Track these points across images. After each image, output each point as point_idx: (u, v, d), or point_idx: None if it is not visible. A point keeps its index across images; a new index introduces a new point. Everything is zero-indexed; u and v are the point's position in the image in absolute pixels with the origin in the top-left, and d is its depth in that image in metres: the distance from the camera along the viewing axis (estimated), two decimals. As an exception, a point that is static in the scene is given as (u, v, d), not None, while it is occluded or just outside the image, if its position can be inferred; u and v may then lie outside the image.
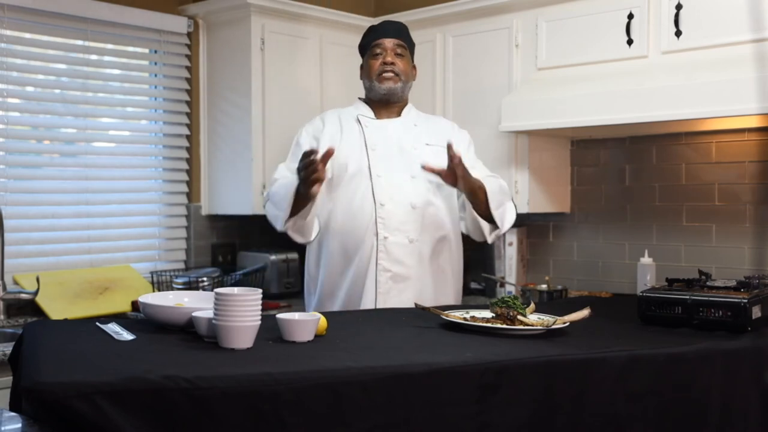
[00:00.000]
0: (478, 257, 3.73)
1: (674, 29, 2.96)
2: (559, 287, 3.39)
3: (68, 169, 3.40)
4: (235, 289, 1.80)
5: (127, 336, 1.88)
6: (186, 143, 3.75)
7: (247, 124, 3.56)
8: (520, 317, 2.09)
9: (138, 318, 2.57)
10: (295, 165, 2.66)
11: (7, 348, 2.36)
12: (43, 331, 1.97)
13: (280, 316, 1.89)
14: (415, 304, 2.35)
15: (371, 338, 2.00)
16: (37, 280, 2.97)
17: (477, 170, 2.73)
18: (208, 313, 1.82)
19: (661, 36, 3.01)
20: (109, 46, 3.49)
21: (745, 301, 2.12)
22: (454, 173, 2.57)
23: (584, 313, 2.14)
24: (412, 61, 2.93)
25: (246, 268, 3.63)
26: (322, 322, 1.95)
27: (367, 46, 2.87)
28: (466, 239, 2.90)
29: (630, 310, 2.38)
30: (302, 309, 2.96)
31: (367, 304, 2.69)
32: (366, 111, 2.88)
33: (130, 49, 3.56)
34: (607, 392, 1.82)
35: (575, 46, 3.23)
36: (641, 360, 1.89)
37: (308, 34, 3.72)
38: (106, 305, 3.20)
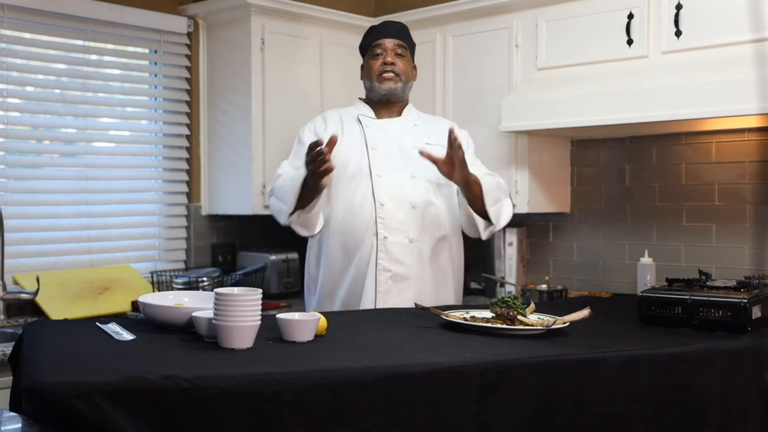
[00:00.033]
0: (478, 257, 3.73)
1: (674, 29, 2.96)
2: (559, 287, 3.39)
3: (68, 169, 3.40)
4: (235, 289, 1.80)
5: (127, 336, 1.88)
6: (186, 143, 3.75)
7: (247, 124, 3.56)
8: (520, 317, 2.09)
9: (138, 318, 2.57)
10: (299, 162, 2.68)
11: (7, 348, 2.36)
12: (43, 331, 1.97)
13: (280, 316, 1.89)
14: (415, 304, 2.35)
15: (371, 338, 2.00)
16: (37, 280, 2.97)
17: (475, 168, 2.73)
18: (208, 313, 1.82)
19: (661, 36, 3.01)
20: (109, 46, 3.49)
21: (745, 301, 2.12)
22: (452, 162, 2.56)
23: (584, 313, 2.14)
24: (413, 62, 2.93)
25: (246, 268, 3.63)
26: (322, 322, 1.95)
27: (368, 46, 2.88)
28: (466, 239, 2.90)
29: (630, 310, 2.38)
30: (302, 309, 2.96)
31: (367, 303, 2.69)
32: (366, 111, 2.89)
33: (130, 49, 3.56)
34: (607, 392, 1.82)
35: (575, 46, 3.23)
36: (641, 360, 1.89)
37: (308, 34, 3.72)
38: (106, 305, 3.20)
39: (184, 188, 3.76)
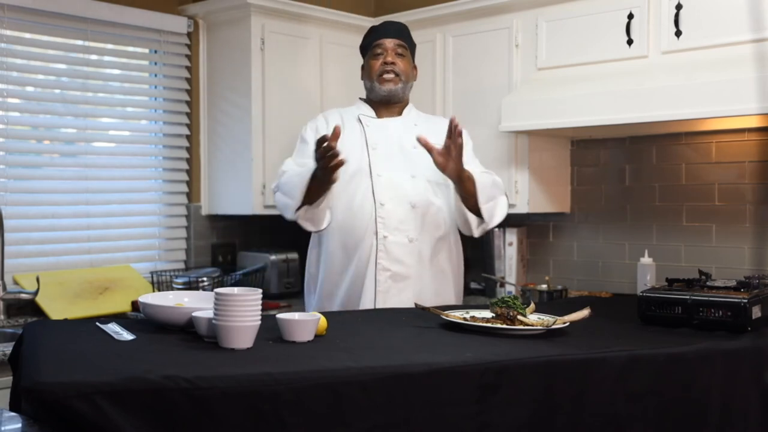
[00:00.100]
0: (478, 257, 3.74)
1: (674, 29, 2.96)
2: (559, 287, 3.39)
3: (68, 169, 3.40)
4: (235, 289, 1.80)
5: (127, 336, 1.88)
6: (186, 143, 3.75)
7: (247, 124, 3.56)
8: (520, 317, 2.09)
9: (138, 318, 2.57)
10: (303, 160, 2.70)
11: (7, 348, 2.36)
12: (43, 331, 1.97)
13: (280, 316, 1.89)
14: (415, 304, 2.35)
15: (371, 338, 2.00)
16: (37, 280, 2.97)
17: (472, 166, 2.73)
18: (208, 313, 1.82)
19: (661, 36, 3.01)
20: (109, 46, 3.49)
21: (745, 301, 2.12)
22: (447, 153, 2.54)
23: (584, 313, 2.14)
24: (413, 62, 2.93)
25: (246, 268, 3.63)
26: (322, 322, 1.95)
27: (368, 46, 2.88)
28: (465, 239, 2.90)
29: (630, 310, 2.38)
30: (302, 309, 2.97)
31: (367, 303, 2.69)
32: (367, 111, 2.89)
33: (130, 49, 3.56)
34: (607, 392, 1.82)
35: (575, 46, 3.23)
36: (641, 360, 1.89)
37: (308, 34, 3.71)
38: (106, 305, 3.20)
39: (184, 188, 3.76)
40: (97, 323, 2.04)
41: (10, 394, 1.90)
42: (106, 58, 3.49)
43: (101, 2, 3.39)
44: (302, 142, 2.86)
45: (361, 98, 2.95)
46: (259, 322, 1.78)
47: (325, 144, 2.43)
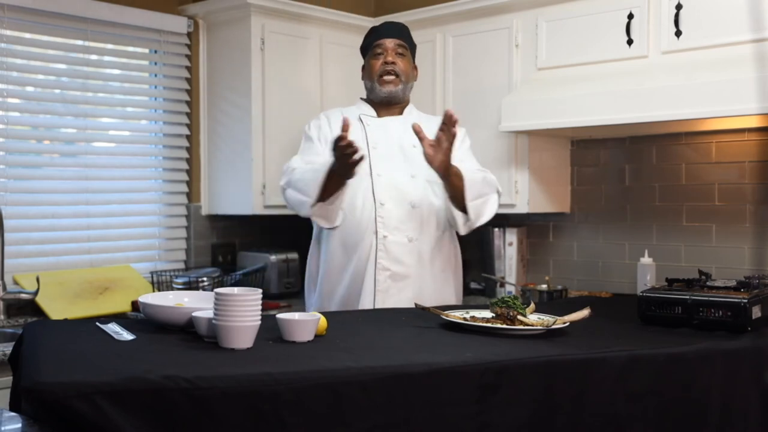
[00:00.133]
0: (478, 257, 3.74)
1: (674, 29, 2.96)
2: (559, 287, 3.39)
3: (68, 169, 3.40)
4: (235, 289, 1.80)
5: (127, 336, 1.88)
6: (186, 143, 3.75)
7: (247, 124, 3.56)
8: (520, 317, 2.09)
9: (138, 318, 2.57)
10: (310, 158, 2.70)
11: (7, 348, 2.36)
12: (43, 331, 1.97)
13: (280, 316, 1.89)
14: (415, 304, 2.35)
15: (371, 338, 2.00)
16: (37, 280, 2.97)
17: (467, 163, 2.73)
18: (208, 313, 1.82)
19: (661, 36, 3.01)
20: (109, 46, 3.49)
21: (745, 301, 2.12)
22: (438, 144, 2.51)
23: (584, 313, 2.14)
24: (413, 62, 2.93)
25: (246, 268, 3.63)
26: (322, 322, 1.95)
27: (369, 46, 2.88)
28: (465, 238, 2.90)
29: (630, 310, 2.38)
30: (302, 309, 2.97)
31: (366, 302, 2.69)
32: (368, 110, 2.89)
33: (130, 49, 3.56)
34: (607, 392, 1.82)
35: (575, 46, 3.23)
36: (641, 360, 1.89)
37: (308, 34, 3.71)
38: (106, 305, 3.20)
39: (184, 188, 3.76)
40: (97, 323, 2.04)
41: (10, 394, 1.90)
42: (106, 58, 3.49)
43: (101, 2, 3.39)
44: (307, 140, 2.86)
45: (361, 98, 2.95)
46: (259, 322, 1.78)
47: (344, 142, 2.42)
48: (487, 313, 2.18)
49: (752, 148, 3.16)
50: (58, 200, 3.35)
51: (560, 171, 3.64)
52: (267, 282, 3.62)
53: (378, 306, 2.68)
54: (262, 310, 1.80)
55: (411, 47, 2.91)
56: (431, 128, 2.84)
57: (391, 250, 2.71)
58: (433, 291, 2.76)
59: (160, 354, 1.73)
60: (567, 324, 2.08)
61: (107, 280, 3.35)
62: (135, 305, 3.20)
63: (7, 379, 2.02)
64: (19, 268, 3.20)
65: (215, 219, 3.82)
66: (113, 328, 1.97)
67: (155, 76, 3.66)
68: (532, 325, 2.05)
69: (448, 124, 2.49)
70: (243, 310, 1.74)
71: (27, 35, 3.27)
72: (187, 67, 3.74)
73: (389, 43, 2.83)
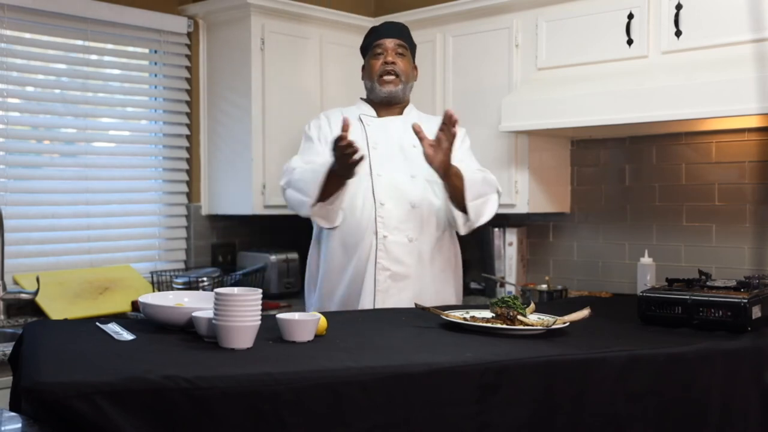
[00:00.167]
0: (478, 257, 3.74)
1: (674, 29, 2.96)
2: (559, 287, 3.39)
3: (68, 169, 3.40)
4: (235, 289, 1.80)
5: (127, 336, 1.88)
6: (186, 143, 3.75)
7: (247, 124, 3.56)
8: (520, 317, 2.09)
9: (138, 318, 2.57)
10: (310, 158, 2.69)
11: (7, 348, 2.36)
12: (43, 331, 1.97)
13: (280, 316, 1.89)
14: (415, 304, 2.35)
15: (371, 338, 2.00)
16: (37, 280, 2.97)
17: (467, 163, 2.73)
18: (208, 313, 1.82)
19: (661, 36, 3.01)
20: (109, 46, 3.49)
21: (745, 301, 2.12)
22: (438, 144, 2.51)
23: (584, 313, 2.14)
24: (413, 62, 2.93)
25: (246, 268, 3.63)
26: (322, 322, 1.95)
27: (369, 46, 2.88)
28: (465, 238, 2.90)
29: (630, 310, 2.38)
30: (302, 309, 2.97)
31: (366, 302, 2.69)
32: (368, 110, 2.89)
33: (130, 49, 3.56)
34: (607, 392, 1.82)
35: (575, 46, 3.23)
36: (641, 360, 1.89)
37: (308, 34, 3.71)
38: (106, 305, 3.20)
39: (184, 188, 3.76)
40: (97, 323, 2.04)
41: (10, 394, 1.90)
42: (106, 58, 3.49)
43: (101, 2, 3.39)
44: (307, 140, 2.86)
45: (361, 98, 2.95)
46: (259, 322, 1.78)
47: (344, 142, 2.42)
48: (487, 313, 2.18)
49: (752, 148, 3.16)
50: (58, 200, 3.35)
51: (560, 171, 3.64)
52: (267, 282, 3.62)
53: (378, 306, 2.68)
54: (262, 310, 1.80)
55: (411, 47, 2.91)
56: (431, 128, 2.85)
57: (391, 250, 2.71)
58: (433, 291, 2.76)
59: (160, 354, 1.73)
60: (567, 324, 2.08)
61: (107, 280, 3.35)
62: (135, 305, 3.20)
63: (7, 379, 2.02)
64: (19, 268, 3.20)
65: (215, 219, 3.82)
66: (113, 328, 1.97)
67: (155, 76, 3.66)
68: (532, 325, 2.05)
69: (448, 124, 2.49)
70: (243, 310, 1.74)
71: (27, 35, 3.27)
72: (187, 67, 3.74)
73: (389, 43, 2.83)
